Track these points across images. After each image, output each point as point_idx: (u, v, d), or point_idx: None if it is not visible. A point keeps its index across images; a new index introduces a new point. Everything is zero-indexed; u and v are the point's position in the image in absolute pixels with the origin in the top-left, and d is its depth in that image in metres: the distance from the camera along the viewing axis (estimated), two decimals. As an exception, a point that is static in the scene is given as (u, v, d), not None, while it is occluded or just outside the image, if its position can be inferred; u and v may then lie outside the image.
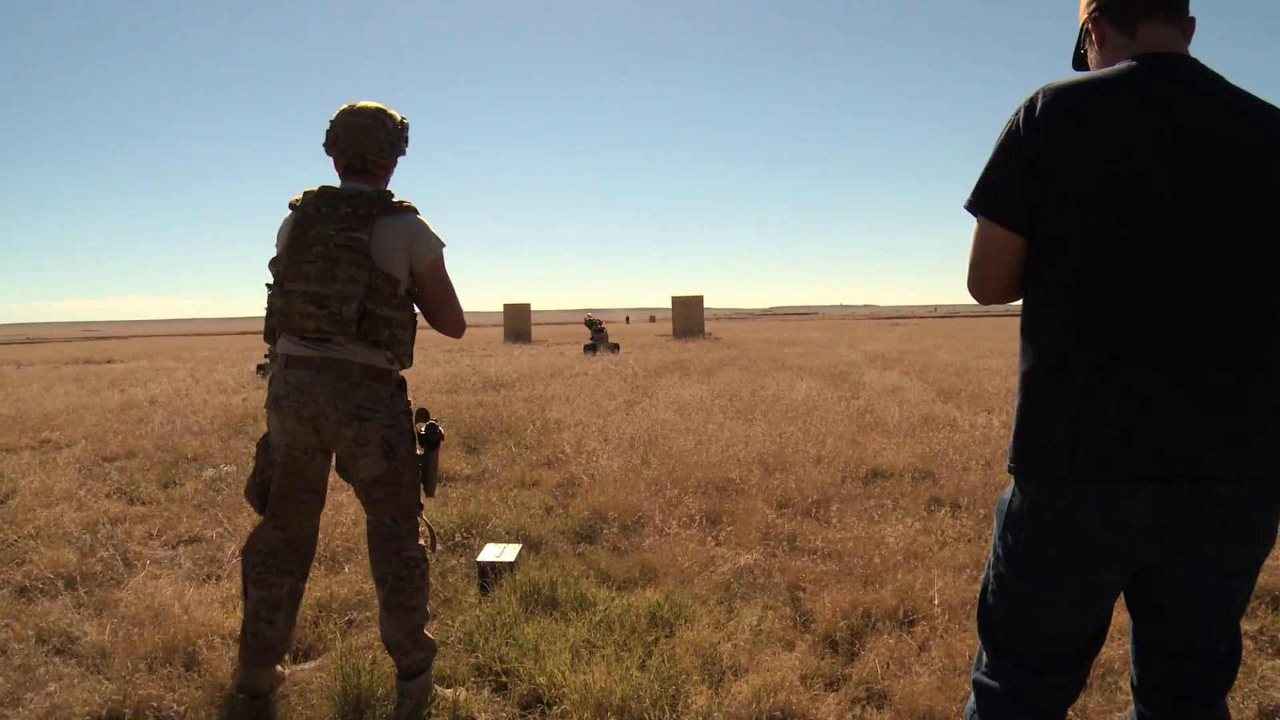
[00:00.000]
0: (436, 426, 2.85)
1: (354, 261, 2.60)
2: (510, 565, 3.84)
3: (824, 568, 3.98)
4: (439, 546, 4.39)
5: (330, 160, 2.81)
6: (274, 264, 2.78)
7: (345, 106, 2.77)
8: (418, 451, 2.82)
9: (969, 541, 4.33)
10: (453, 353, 22.92)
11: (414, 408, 2.85)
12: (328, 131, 2.76)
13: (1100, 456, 1.50)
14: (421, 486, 2.84)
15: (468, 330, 2.98)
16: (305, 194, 2.76)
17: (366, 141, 2.72)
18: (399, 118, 2.82)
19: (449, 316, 2.86)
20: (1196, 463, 1.48)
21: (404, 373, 2.82)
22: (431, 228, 2.77)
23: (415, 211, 2.76)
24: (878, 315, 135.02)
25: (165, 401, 11.17)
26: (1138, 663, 1.76)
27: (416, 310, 2.87)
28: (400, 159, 2.87)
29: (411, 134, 2.86)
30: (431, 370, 14.92)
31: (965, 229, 1.71)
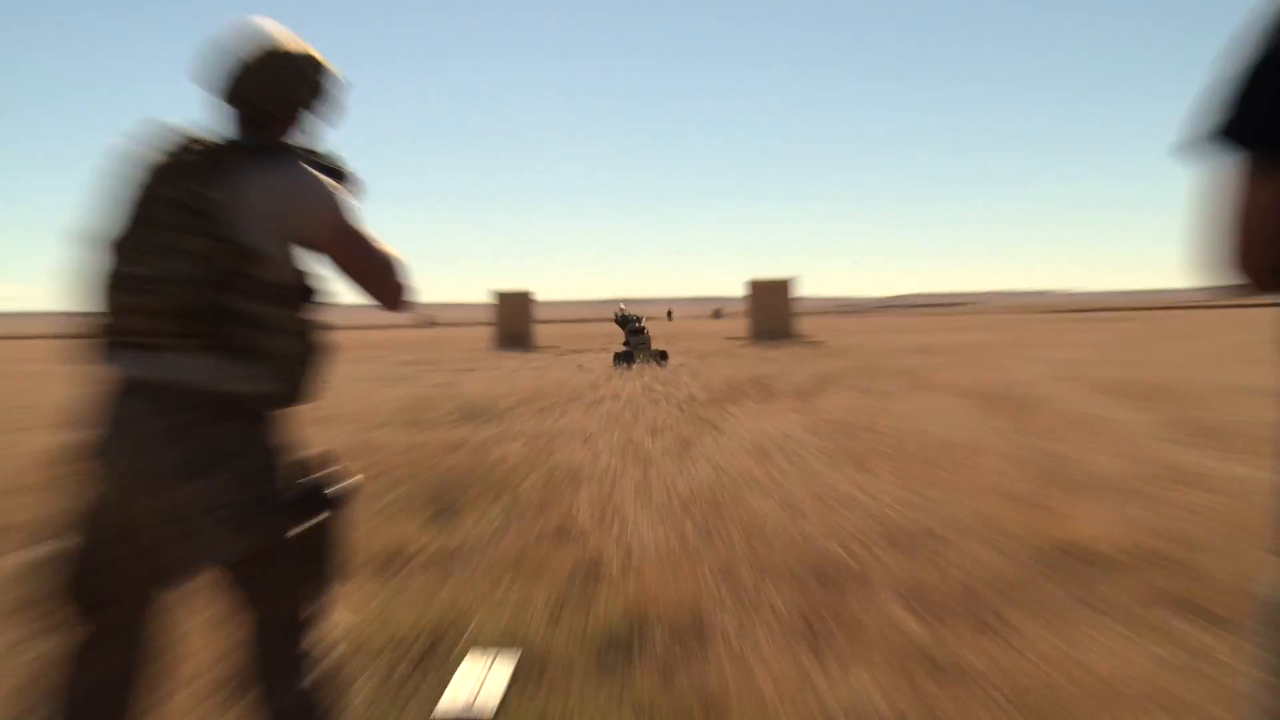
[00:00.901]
0: (333, 477, 2.85)
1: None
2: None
3: (989, 707, 3.88)
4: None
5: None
6: None
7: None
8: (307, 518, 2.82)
9: (1235, 673, 4.13)
10: (418, 365, 23.10)
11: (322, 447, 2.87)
12: None
13: None
14: (323, 572, 2.84)
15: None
16: None
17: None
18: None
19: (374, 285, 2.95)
20: None
21: (344, 400, 2.86)
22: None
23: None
24: (1058, 307, 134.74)
25: None
26: None
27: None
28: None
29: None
30: (381, 393, 14.90)
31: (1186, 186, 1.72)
